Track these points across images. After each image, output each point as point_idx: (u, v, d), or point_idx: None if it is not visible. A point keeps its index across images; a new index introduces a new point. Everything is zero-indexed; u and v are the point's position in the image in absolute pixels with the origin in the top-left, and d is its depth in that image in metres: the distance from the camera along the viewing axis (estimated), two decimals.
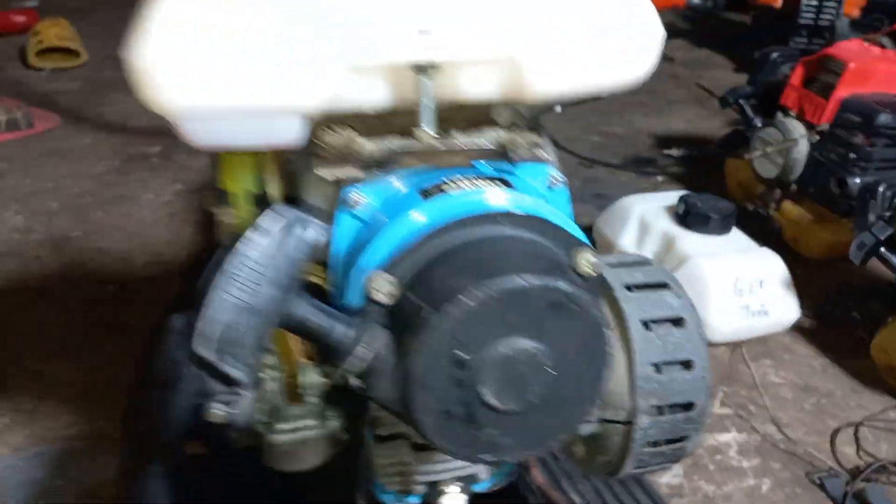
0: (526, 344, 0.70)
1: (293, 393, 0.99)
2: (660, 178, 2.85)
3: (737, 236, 2.06)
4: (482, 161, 0.83)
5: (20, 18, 4.01)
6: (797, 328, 2.03)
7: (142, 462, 0.94)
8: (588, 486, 1.48)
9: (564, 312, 0.70)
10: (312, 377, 1.00)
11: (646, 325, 0.94)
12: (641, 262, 1.02)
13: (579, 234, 0.80)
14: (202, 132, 0.74)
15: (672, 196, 2.15)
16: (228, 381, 0.60)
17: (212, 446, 0.96)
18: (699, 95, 3.80)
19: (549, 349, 0.70)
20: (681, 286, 0.99)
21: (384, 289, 0.71)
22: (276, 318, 0.62)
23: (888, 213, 1.81)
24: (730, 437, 1.67)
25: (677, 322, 0.96)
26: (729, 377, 1.85)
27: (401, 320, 0.71)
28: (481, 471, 1.09)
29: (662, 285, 0.98)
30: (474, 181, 0.79)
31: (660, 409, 0.95)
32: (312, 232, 0.63)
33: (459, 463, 1.07)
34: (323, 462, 1.04)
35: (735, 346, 1.90)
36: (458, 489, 1.06)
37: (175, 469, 0.94)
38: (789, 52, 2.44)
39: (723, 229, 2.03)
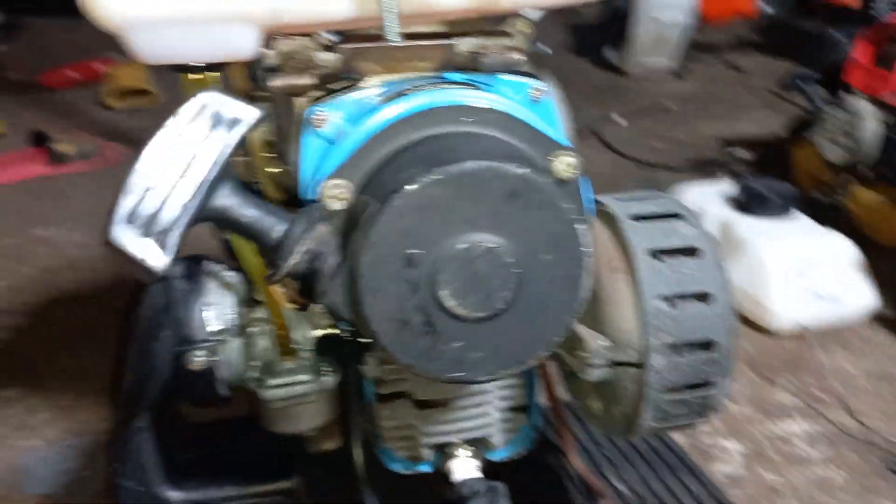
0: (483, 238, 0.63)
1: (285, 346, 0.94)
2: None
3: (799, 219, 1.92)
4: (454, 71, 0.78)
5: (103, 67, 4.21)
6: (877, 318, 1.86)
7: (128, 420, 0.90)
8: (634, 473, 1.37)
9: (526, 203, 0.63)
10: (304, 329, 0.95)
11: (654, 255, 0.86)
12: (653, 196, 0.93)
13: (560, 139, 0.73)
14: (148, 45, 0.71)
15: (730, 184, 2.03)
16: (146, 272, 0.56)
17: (197, 401, 0.92)
18: (771, 101, 3.64)
19: (510, 244, 0.64)
20: (698, 218, 0.91)
21: (334, 192, 0.67)
22: (197, 206, 0.58)
23: None
24: (795, 426, 1.53)
25: (691, 252, 0.87)
26: (794, 364, 1.70)
27: (352, 222, 0.66)
28: (493, 434, 1.01)
29: (674, 215, 0.90)
30: (440, 86, 0.74)
31: (675, 348, 0.86)
32: (237, 116, 0.59)
33: (467, 423, 0.99)
34: (320, 424, 0.99)
35: (802, 333, 1.75)
36: (469, 453, 0.99)
37: (159, 426, 0.90)
38: (853, 31, 2.30)
39: (783, 212, 1.90)
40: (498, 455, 1.04)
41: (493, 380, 0.69)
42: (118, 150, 3.12)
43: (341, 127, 0.75)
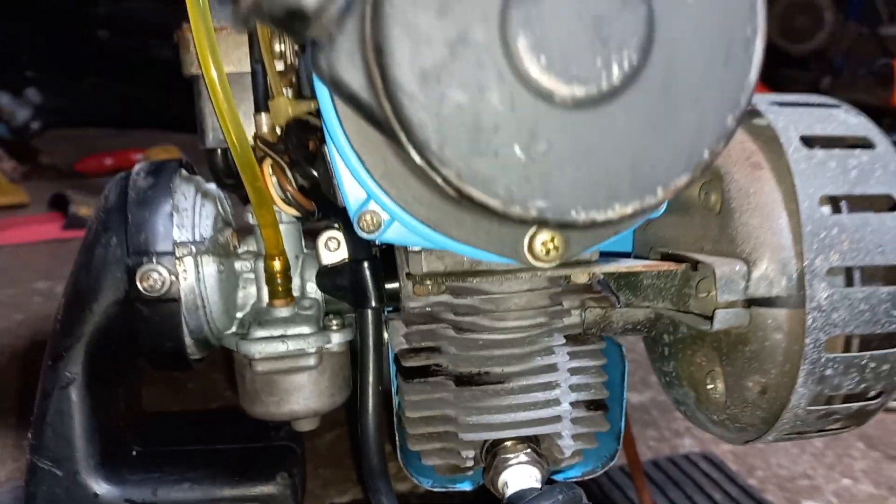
0: None
1: (277, 286, 0.68)
2: None
3: None
4: None
5: (139, 157, 4.15)
6: None
7: (54, 363, 0.64)
8: None
9: None
10: (304, 260, 0.69)
11: (808, 142, 0.60)
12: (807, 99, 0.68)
13: None
14: None
15: None
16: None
17: (154, 350, 0.65)
18: None
19: None
20: (856, 110, 0.65)
21: None
22: None
23: None
24: None
25: (859, 143, 0.61)
26: None
27: None
28: (562, 435, 0.71)
29: (831, 105, 0.65)
30: None
31: (848, 276, 0.58)
32: None
33: (527, 412, 0.69)
34: (319, 407, 0.70)
35: None
36: (526, 458, 0.69)
37: (101, 388, 0.63)
38: None
39: None
40: (564, 473, 0.74)
41: (599, 228, 0.42)
42: None
43: None
